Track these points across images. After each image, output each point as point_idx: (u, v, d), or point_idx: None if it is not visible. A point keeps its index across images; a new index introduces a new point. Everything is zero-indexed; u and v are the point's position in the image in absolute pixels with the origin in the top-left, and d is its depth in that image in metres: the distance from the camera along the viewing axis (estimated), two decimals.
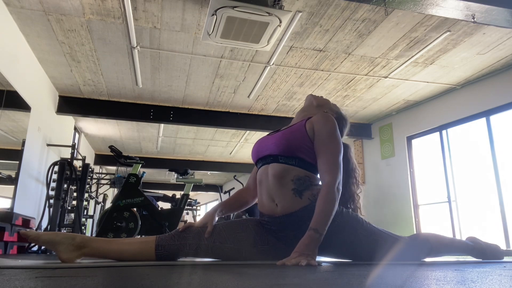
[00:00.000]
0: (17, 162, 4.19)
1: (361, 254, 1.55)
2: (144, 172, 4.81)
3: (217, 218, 1.57)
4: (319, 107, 1.77)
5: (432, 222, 5.65)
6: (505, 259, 1.88)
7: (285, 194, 1.50)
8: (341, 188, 1.47)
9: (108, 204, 7.04)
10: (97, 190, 7.72)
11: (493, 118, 4.85)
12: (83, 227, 5.15)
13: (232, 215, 5.65)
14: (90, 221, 7.09)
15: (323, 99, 1.82)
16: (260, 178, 1.61)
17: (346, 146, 1.72)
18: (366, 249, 1.52)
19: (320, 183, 1.53)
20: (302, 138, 1.54)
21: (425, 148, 5.96)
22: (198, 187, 10.80)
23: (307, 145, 1.53)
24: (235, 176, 7.14)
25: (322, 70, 4.80)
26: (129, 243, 1.46)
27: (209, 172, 10.19)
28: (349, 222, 1.52)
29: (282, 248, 1.54)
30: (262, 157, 1.62)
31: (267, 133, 1.79)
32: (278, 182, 1.52)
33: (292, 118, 1.84)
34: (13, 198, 4.01)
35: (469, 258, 1.93)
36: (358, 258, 1.57)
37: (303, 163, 1.52)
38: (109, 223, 3.97)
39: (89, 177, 5.89)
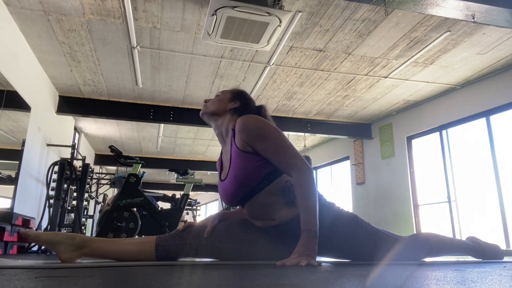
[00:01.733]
0: (17, 162, 4.19)
1: (361, 254, 1.54)
2: (144, 172, 4.81)
3: (217, 221, 1.56)
4: (223, 111, 1.62)
5: (432, 222, 5.65)
6: (505, 259, 1.88)
7: (279, 209, 1.47)
8: (310, 167, 1.41)
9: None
10: (97, 190, 7.72)
11: (493, 118, 4.85)
12: (83, 227, 5.15)
13: None
14: (90, 221, 7.09)
15: (214, 100, 1.67)
16: (249, 213, 1.55)
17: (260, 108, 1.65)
18: (366, 249, 1.52)
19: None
20: (246, 162, 1.44)
21: (425, 148, 5.96)
22: (198, 187, 10.80)
23: (256, 162, 1.43)
24: None
25: (322, 70, 4.80)
26: (129, 243, 1.46)
27: (209, 172, 10.19)
28: (348, 223, 1.52)
29: (281, 248, 1.54)
30: (235, 203, 1.56)
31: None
32: (269, 206, 1.47)
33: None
34: (13, 198, 4.01)
35: (469, 258, 1.93)
36: (358, 259, 1.57)
37: (272, 175, 1.44)
38: (109, 223, 3.97)
39: (89, 177, 5.89)
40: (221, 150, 1.68)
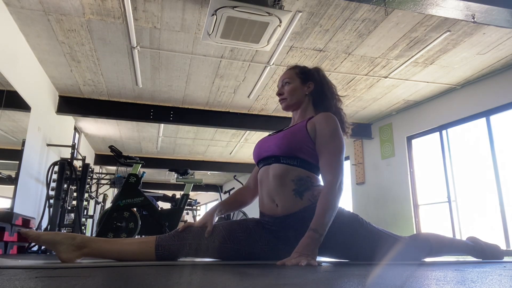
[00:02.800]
0: (17, 162, 4.19)
1: (361, 254, 1.54)
2: (144, 172, 4.81)
3: (216, 218, 1.57)
4: (303, 98, 1.74)
5: (432, 222, 5.65)
6: (505, 259, 1.88)
7: (285, 194, 1.50)
8: (343, 188, 1.47)
9: (108, 204, 7.04)
10: (97, 190, 7.72)
11: (493, 118, 4.85)
12: (83, 227, 5.15)
13: (232, 214, 5.66)
14: (90, 221, 7.09)
15: (289, 91, 1.77)
16: (261, 179, 1.61)
17: (318, 70, 1.77)
18: (366, 249, 1.52)
19: (321, 183, 1.53)
20: (303, 138, 1.53)
21: (425, 148, 5.96)
22: (198, 187, 10.79)
23: (309, 145, 1.52)
24: (235, 176, 7.14)
25: None
26: (129, 243, 1.46)
27: (209, 172, 10.19)
28: (349, 222, 1.52)
29: (282, 248, 1.54)
30: (263, 158, 1.62)
31: (267, 133, 1.80)
32: (279, 182, 1.51)
33: (292, 117, 1.81)
34: (13, 198, 4.01)
35: (469, 258, 1.93)
36: (359, 258, 1.57)
37: (304, 163, 1.52)
38: (109, 223, 3.97)
39: (89, 177, 5.89)
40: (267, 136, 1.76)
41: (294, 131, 1.58)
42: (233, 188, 6.90)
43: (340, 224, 1.49)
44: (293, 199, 1.49)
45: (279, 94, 1.75)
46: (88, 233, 6.95)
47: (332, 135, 1.52)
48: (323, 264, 1.48)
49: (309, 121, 1.59)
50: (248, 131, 7.25)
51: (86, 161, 5.51)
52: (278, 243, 1.55)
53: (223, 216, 6.55)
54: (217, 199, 13.91)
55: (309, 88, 1.72)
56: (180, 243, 1.44)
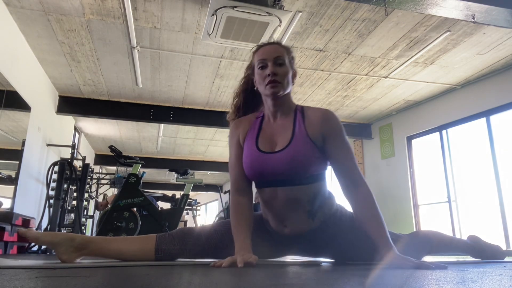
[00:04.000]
0: (17, 162, 4.19)
1: (362, 254, 1.53)
2: (144, 172, 4.81)
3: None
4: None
5: (432, 222, 5.65)
6: (505, 259, 1.88)
7: (298, 218, 1.42)
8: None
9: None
10: (97, 190, 7.72)
11: (493, 118, 4.85)
12: (83, 227, 5.15)
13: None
14: (90, 221, 7.09)
15: (284, 73, 1.44)
16: (266, 200, 1.44)
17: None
18: (367, 249, 1.50)
19: (331, 194, 1.51)
20: (310, 150, 1.37)
21: (425, 148, 5.96)
22: (198, 187, 10.79)
23: (316, 155, 1.37)
24: None
25: (322, 70, 4.80)
26: (129, 243, 1.45)
27: (209, 172, 10.18)
28: (351, 223, 1.50)
29: (283, 250, 1.55)
30: (268, 181, 1.41)
31: None
32: (292, 207, 1.40)
33: (267, 108, 1.53)
34: (13, 198, 4.01)
35: (469, 258, 1.93)
36: (359, 259, 1.57)
37: (316, 177, 1.40)
38: (109, 223, 3.97)
39: (89, 177, 5.89)
40: (254, 117, 1.53)
41: (298, 147, 1.37)
42: None
43: (341, 226, 1.49)
44: (305, 221, 1.43)
45: (273, 73, 1.39)
46: (88, 233, 6.95)
47: (343, 136, 1.41)
48: (323, 264, 1.48)
49: (307, 125, 1.40)
50: None
51: (86, 161, 5.51)
52: (281, 246, 1.55)
53: (223, 216, 6.55)
54: (217, 199, 13.91)
55: (294, 77, 1.50)
56: (181, 248, 1.45)
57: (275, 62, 1.41)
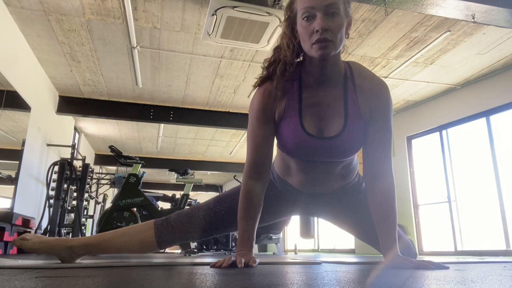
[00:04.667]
0: (17, 162, 4.19)
1: (364, 233, 1.46)
2: (144, 172, 4.81)
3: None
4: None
5: (432, 222, 5.65)
6: (505, 259, 1.87)
7: (331, 182, 1.35)
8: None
9: (108, 204, 7.04)
10: (97, 190, 7.72)
11: (493, 118, 4.85)
12: (83, 227, 5.15)
13: None
14: (90, 221, 7.09)
15: (337, 26, 1.12)
16: (300, 168, 1.31)
17: None
18: (371, 231, 1.37)
19: (357, 160, 1.39)
20: (363, 133, 1.22)
21: (425, 148, 5.96)
22: (198, 187, 10.80)
23: (363, 129, 1.23)
24: (235, 176, 7.14)
25: None
26: (129, 239, 1.40)
27: (209, 172, 10.18)
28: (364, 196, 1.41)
29: (292, 209, 1.48)
30: (311, 160, 1.27)
31: None
32: (328, 175, 1.32)
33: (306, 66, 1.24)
34: (13, 198, 4.01)
35: (469, 258, 1.93)
36: (360, 235, 1.49)
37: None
38: (109, 223, 3.97)
39: (89, 177, 5.89)
40: (282, 86, 1.20)
41: (353, 134, 1.20)
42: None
43: (358, 195, 1.43)
44: (336, 182, 1.36)
45: (324, 29, 1.07)
46: (88, 233, 6.94)
47: (390, 118, 1.24)
48: (323, 264, 1.48)
49: (359, 98, 1.20)
50: None
51: (86, 161, 5.51)
52: (293, 204, 1.46)
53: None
54: None
55: (349, 27, 1.18)
56: (182, 236, 1.40)
57: (326, 12, 1.08)
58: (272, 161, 1.37)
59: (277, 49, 1.23)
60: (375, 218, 1.25)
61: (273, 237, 6.14)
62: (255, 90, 1.27)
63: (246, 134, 7.69)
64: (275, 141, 1.30)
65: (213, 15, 3.26)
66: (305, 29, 1.11)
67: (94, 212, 7.24)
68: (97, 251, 1.39)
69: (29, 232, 4.03)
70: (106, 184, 7.71)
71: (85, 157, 5.75)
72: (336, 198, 1.42)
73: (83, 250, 1.36)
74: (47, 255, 1.38)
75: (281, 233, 9.25)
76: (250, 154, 1.27)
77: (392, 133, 1.25)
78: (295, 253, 6.52)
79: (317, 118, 1.20)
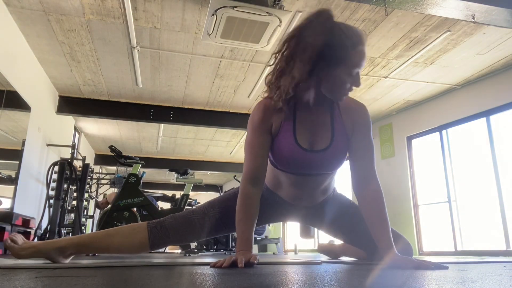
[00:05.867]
0: (17, 162, 4.19)
1: (352, 237, 1.61)
2: (144, 172, 4.81)
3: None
4: None
5: (432, 222, 5.65)
6: (505, 259, 1.87)
7: (315, 194, 1.51)
8: None
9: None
10: (97, 190, 7.72)
11: (493, 118, 4.85)
12: (83, 227, 5.14)
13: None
14: (90, 221, 7.09)
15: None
16: (290, 183, 1.45)
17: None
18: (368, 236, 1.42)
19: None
20: (347, 148, 1.40)
21: (425, 148, 5.96)
22: (198, 187, 10.79)
23: (346, 147, 1.42)
24: (235, 176, 7.14)
25: None
26: (120, 239, 1.41)
27: (209, 172, 10.18)
28: (346, 206, 1.61)
29: (285, 216, 1.62)
30: (300, 172, 1.40)
31: None
32: (313, 188, 1.48)
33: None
34: (13, 198, 4.01)
35: (469, 258, 1.93)
36: (349, 240, 1.65)
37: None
38: (109, 223, 3.97)
39: (89, 177, 5.89)
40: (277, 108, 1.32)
41: (339, 147, 1.36)
42: (233, 188, 6.86)
43: (338, 204, 1.60)
44: (320, 197, 1.53)
45: (356, 86, 1.29)
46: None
47: (370, 131, 1.41)
48: (323, 264, 1.48)
49: (344, 118, 1.38)
50: None
51: (86, 161, 5.51)
52: (285, 212, 1.60)
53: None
54: None
55: None
56: (175, 240, 1.44)
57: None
58: None
59: (280, 71, 1.27)
60: (369, 221, 1.34)
61: (268, 237, 6.24)
62: (256, 104, 1.42)
63: (246, 134, 7.72)
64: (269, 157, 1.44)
65: (213, 15, 3.26)
66: (348, 77, 1.24)
67: (94, 212, 7.24)
68: (88, 250, 1.43)
69: (29, 232, 4.03)
70: (106, 184, 7.71)
71: (85, 157, 5.75)
72: (319, 208, 1.57)
73: (73, 249, 1.38)
74: (36, 258, 1.40)
75: (281, 233, 9.26)
76: (248, 161, 1.37)
77: (373, 145, 1.41)
78: (295, 253, 6.52)
79: (309, 134, 1.36)
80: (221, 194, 1.63)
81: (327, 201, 1.58)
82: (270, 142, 1.37)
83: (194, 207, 1.59)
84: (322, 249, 2.12)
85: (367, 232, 1.37)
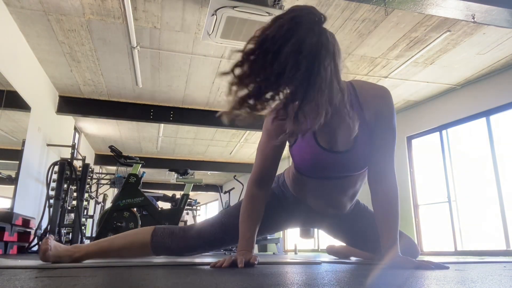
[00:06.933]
0: (17, 162, 4.19)
1: (369, 246, 1.58)
2: (144, 172, 4.81)
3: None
4: None
5: (432, 222, 5.65)
6: (505, 259, 1.87)
7: (343, 204, 1.45)
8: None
9: (108, 204, 7.04)
10: (97, 190, 7.72)
11: (493, 118, 4.85)
12: (83, 227, 5.15)
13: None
14: (90, 221, 7.09)
15: None
16: (314, 187, 1.39)
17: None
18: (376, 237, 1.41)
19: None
20: (371, 144, 1.29)
21: (425, 148, 5.96)
22: (198, 187, 10.80)
23: (371, 139, 1.31)
24: (235, 176, 7.14)
25: None
26: (127, 248, 1.44)
27: (209, 172, 10.18)
28: (366, 208, 1.59)
29: (300, 222, 1.59)
30: (324, 175, 1.34)
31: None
32: (341, 193, 1.40)
33: None
34: (13, 198, 4.01)
35: (469, 258, 1.93)
36: (368, 249, 1.62)
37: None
38: (109, 223, 3.97)
39: (89, 177, 5.89)
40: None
41: (363, 146, 1.28)
42: (233, 188, 6.89)
43: (363, 213, 1.57)
44: (348, 204, 1.47)
45: None
46: (88, 233, 6.94)
47: (394, 119, 1.31)
48: (323, 264, 1.48)
49: (365, 104, 1.26)
50: (248, 131, 7.25)
51: (86, 161, 5.51)
52: (303, 219, 1.57)
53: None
54: (217, 199, 13.91)
55: None
56: (181, 246, 1.43)
57: None
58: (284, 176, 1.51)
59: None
60: (377, 217, 1.30)
61: (268, 237, 6.24)
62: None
63: (246, 134, 7.71)
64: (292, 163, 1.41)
65: (213, 15, 3.26)
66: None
67: (94, 212, 7.23)
68: (95, 257, 1.46)
69: (29, 232, 4.04)
70: (106, 184, 7.71)
71: (85, 157, 5.75)
72: (345, 218, 1.54)
73: (86, 258, 1.43)
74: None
75: (281, 233, 9.26)
76: (258, 163, 1.33)
77: (396, 132, 1.30)
78: (295, 253, 6.52)
79: (329, 134, 1.27)
80: (229, 207, 1.55)
81: (353, 210, 1.54)
82: (284, 145, 1.32)
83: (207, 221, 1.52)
84: (331, 251, 2.13)
85: (376, 238, 1.34)
